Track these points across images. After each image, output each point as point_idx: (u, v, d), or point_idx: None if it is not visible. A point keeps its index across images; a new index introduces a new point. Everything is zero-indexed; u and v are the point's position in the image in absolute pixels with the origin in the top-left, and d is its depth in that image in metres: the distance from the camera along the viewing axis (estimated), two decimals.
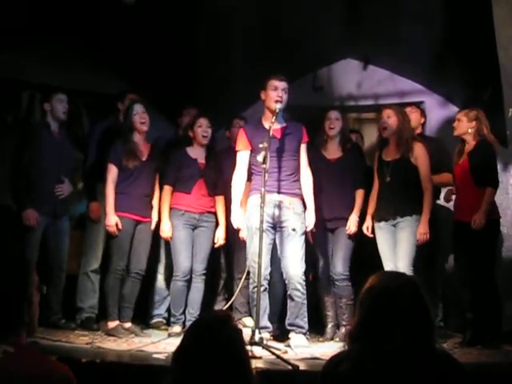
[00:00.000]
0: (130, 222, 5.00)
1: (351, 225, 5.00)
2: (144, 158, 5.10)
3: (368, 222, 4.96)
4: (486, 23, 5.00)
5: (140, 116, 5.06)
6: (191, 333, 2.07)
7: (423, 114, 5.70)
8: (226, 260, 5.63)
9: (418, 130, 5.51)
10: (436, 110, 6.20)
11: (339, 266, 5.04)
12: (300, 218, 4.62)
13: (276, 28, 6.02)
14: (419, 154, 4.84)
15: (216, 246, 5.21)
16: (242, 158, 4.75)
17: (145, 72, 6.41)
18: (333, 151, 5.18)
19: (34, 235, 4.96)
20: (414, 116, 5.45)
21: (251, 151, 4.66)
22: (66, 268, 5.23)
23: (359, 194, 5.09)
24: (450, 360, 2.08)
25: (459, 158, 4.97)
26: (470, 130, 4.89)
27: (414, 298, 2.08)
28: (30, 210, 4.91)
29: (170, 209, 5.11)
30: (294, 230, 4.56)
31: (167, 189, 5.14)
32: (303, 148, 4.76)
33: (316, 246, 5.10)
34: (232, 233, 5.10)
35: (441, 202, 5.48)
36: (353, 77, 6.98)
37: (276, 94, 4.60)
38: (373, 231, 4.94)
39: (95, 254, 5.36)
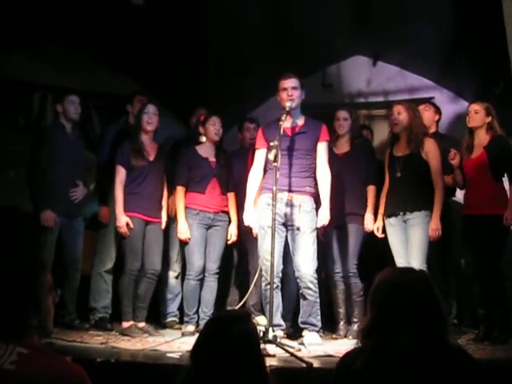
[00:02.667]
0: (140, 222, 5.01)
1: (367, 224, 5.00)
2: (151, 159, 5.11)
3: (379, 223, 4.95)
4: (495, 18, 4.98)
5: (149, 116, 5.07)
6: (208, 329, 2.09)
7: (438, 110, 5.62)
8: (238, 258, 5.64)
9: (433, 129, 5.45)
10: (446, 106, 6.18)
11: (346, 263, 5.05)
12: (309, 215, 4.60)
13: (285, 26, 6.03)
14: (430, 149, 4.82)
15: (229, 242, 5.23)
16: (259, 156, 4.77)
17: (156, 72, 6.44)
18: (341, 147, 5.20)
19: (50, 236, 4.99)
20: (427, 114, 5.40)
21: (267, 149, 4.65)
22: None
23: (371, 191, 5.08)
24: (464, 355, 2.07)
25: (470, 152, 4.91)
26: (485, 124, 4.86)
27: (427, 292, 2.08)
28: (48, 211, 4.94)
29: (185, 208, 5.12)
30: (298, 229, 4.55)
31: (180, 189, 5.15)
32: (321, 146, 4.71)
33: (325, 242, 5.09)
34: (245, 231, 5.11)
35: (455, 198, 5.45)
36: (362, 74, 6.98)
37: (286, 93, 4.61)
38: (383, 230, 4.93)
39: (109, 254, 5.38)
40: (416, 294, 2.06)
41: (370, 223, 5.00)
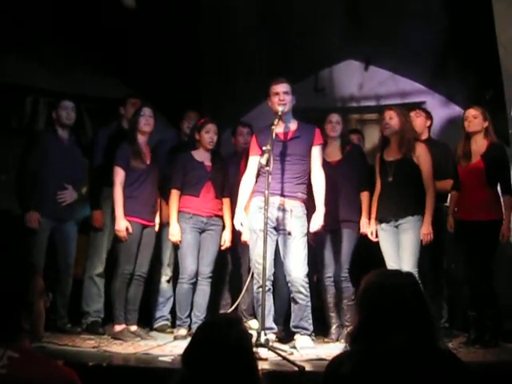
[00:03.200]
0: (138, 227, 5.02)
1: (363, 226, 5.03)
2: (148, 162, 5.13)
3: (373, 227, 4.96)
4: (486, 23, 5.01)
5: (146, 118, 5.09)
6: (201, 333, 2.08)
7: (429, 116, 5.61)
8: (231, 262, 5.64)
9: (425, 135, 5.46)
10: (438, 110, 6.21)
11: (339, 267, 5.07)
12: (300, 221, 4.60)
13: (278, 31, 6.04)
14: (421, 154, 4.83)
15: (222, 248, 5.22)
16: (252, 162, 4.76)
17: (148, 75, 6.44)
18: (333, 154, 5.20)
19: (38, 239, 4.98)
20: (419, 120, 5.40)
21: (261, 155, 4.64)
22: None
23: (364, 196, 5.11)
24: (453, 358, 2.07)
25: (467, 157, 4.90)
26: (483, 129, 4.87)
27: (414, 294, 2.08)
28: (32, 211, 4.94)
29: (178, 212, 5.11)
30: (289, 234, 4.56)
31: (175, 193, 5.14)
32: (315, 150, 4.73)
33: (317, 247, 5.10)
34: (238, 235, 5.11)
35: (448, 204, 5.46)
36: (354, 78, 7.00)
37: (277, 98, 4.62)
38: (377, 235, 4.96)
39: (100, 257, 5.37)
40: (403, 296, 2.06)
41: (366, 228, 5.02)
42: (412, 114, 5.30)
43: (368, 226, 5.02)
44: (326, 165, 4.99)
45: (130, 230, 4.94)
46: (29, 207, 4.96)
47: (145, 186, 5.06)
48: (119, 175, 4.99)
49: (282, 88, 4.64)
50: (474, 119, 4.88)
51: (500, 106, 5.38)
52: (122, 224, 4.93)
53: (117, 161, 5.02)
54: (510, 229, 4.75)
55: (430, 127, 5.60)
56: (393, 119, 4.87)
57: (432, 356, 2.00)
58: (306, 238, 4.63)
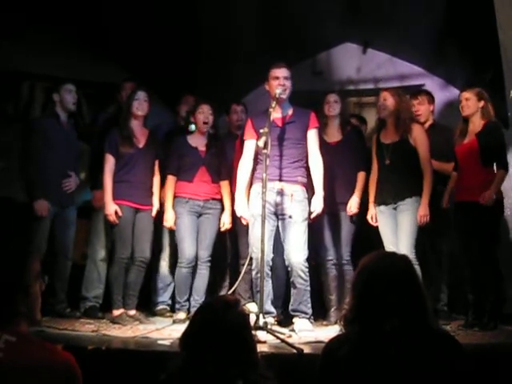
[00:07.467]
0: (130, 210, 5.02)
1: (352, 206, 5.02)
2: (141, 145, 5.12)
3: (372, 211, 4.96)
4: (485, 4, 4.97)
5: (139, 102, 5.08)
6: (199, 316, 2.09)
7: (431, 99, 5.56)
8: (231, 246, 5.64)
9: (430, 121, 5.44)
10: (436, 93, 6.16)
11: (341, 250, 5.07)
12: (300, 205, 4.60)
13: (275, 13, 6.00)
14: (417, 136, 4.83)
15: (222, 230, 5.23)
16: (248, 146, 4.76)
17: (144, 60, 6.41)
18: (332, 135, 5.19)
19: (41, 225, 4.98)
20: (423, 108, 5.40)
21: (257, 140, 4.64)
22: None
23: (360, 176, 5.10)
24: (447, 339, 2.08)
25: (463, 138, 4.90)
26: (479, 109, 4.85)
27: (407, 275, 2.08)
28: (42, 200, 4.94)
29: (175, 197, 5.13)
30: (290, 217, 4.56)
31: (170, 178, 5.17)
32: (311, 134, 4.72)
33: (317, 230, 5.09)
34: (237, 218, 5.11)
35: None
36: (352, 61, 6.97)
37: (277, 82, 4.62)
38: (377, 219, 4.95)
39: (101, 242, 5.37)
40: (397, 278, 2.06)
41: (355, 207, 5.02)
42: (416, 102, 5.32)
43: (357, 206, 5.01)
44: (325, 146, 4.99)
45: (120, 213, 4.94)
46: (37, 196, 4.95)
47: (136, 169, 5.06)
48: (109, 162, 5.03)
49: (282, 73, 4.64)
50: (467, 101, 4.87)
51: (499, 87, 5.36)
52: (111, 208, 4.93)
53: (106, 148, 5.05)
54: (491, 195, 4.69)
55: (433, 111, 5.57)
56: (387, 100, 4.88)
57: (428, 338, 2.00)
58: (306, 223, 4.63)
